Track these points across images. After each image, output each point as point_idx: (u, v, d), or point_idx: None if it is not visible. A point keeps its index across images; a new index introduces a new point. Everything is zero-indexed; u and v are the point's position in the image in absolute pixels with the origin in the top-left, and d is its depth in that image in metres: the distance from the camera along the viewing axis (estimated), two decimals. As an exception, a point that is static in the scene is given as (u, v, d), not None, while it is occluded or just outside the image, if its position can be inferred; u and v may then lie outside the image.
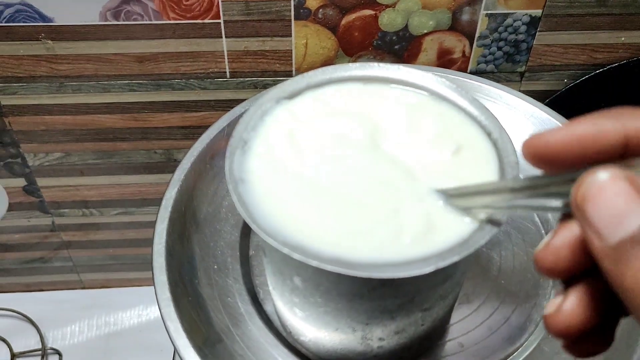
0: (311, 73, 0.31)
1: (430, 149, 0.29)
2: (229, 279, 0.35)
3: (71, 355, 0.70)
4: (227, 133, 0.40)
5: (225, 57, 0.54)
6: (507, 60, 0.55)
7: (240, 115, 0.42)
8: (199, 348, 0.31)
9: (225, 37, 0.53)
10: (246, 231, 0.38)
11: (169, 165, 0.63)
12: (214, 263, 0.36)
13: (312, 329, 0.30)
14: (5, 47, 0.52)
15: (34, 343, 0.70)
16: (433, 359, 0.33)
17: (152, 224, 0.69)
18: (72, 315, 0.73)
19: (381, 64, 0.31)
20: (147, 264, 0.74)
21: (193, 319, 0.32)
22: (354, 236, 0.25)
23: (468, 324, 0.34)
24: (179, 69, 0.55)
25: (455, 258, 0.23)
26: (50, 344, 0.70)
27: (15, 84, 0.55)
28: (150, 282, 0.82)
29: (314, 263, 0.23)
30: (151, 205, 0.67)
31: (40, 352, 0.68)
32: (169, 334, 0.31)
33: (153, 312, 0.74)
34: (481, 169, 0.28)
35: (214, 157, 0.40)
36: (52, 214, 0.67)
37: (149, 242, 0.72)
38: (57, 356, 0.69)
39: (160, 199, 0.69)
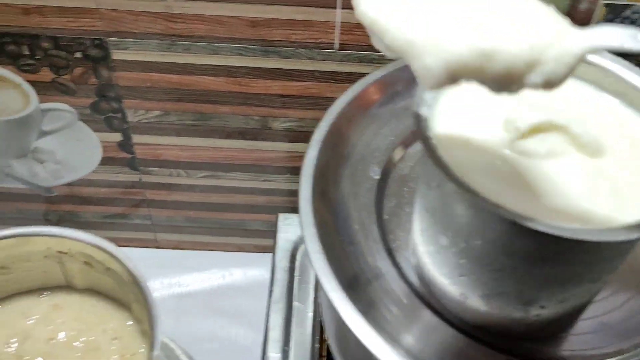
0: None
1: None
2: (369, 241, 0.36)
3: (145, 312, 0.71)
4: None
5: (337, 29, 0.55)
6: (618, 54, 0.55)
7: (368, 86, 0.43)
8: (344, 290, 0.32)
9: (341, 8, 0.53)
10: (380, 196, 0.39)
11: (262, 133, 0.63)
12: (353, 223, 0.37)
13: (468, 292, 0.31)
14: (125, 2, 0.53)
15: (108, 297, 0.71)
16: (574, 334, 0.33)
17: (236, 190, 0.70)
18: (145, 273, 0.74)
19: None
20: (224, 229, 0.75)
21: (340, 267, 0.33)
22: (546, 203, 0.26)
23: (609, 304, 0.34)
24: (290, 37, 0.55)
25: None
26: (124, 299, 0.72)
27: (128, 40, 0.56)
28: (224, 247, 0.82)
29: (530, 224, 0.23)
30: (239, 171, 0.67)
31: (116, 305, 0.70)
32: (320, 280, 0.32)
33: (225, 277, 0.75)
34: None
35: (350, 122, 0.41)
36: (141, 171, 0.68)
37: (229, 207, 0.74)
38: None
39: (250, 165, 0.69)
